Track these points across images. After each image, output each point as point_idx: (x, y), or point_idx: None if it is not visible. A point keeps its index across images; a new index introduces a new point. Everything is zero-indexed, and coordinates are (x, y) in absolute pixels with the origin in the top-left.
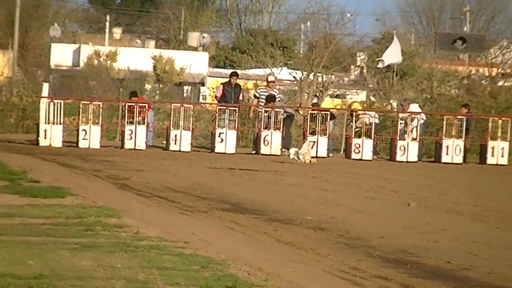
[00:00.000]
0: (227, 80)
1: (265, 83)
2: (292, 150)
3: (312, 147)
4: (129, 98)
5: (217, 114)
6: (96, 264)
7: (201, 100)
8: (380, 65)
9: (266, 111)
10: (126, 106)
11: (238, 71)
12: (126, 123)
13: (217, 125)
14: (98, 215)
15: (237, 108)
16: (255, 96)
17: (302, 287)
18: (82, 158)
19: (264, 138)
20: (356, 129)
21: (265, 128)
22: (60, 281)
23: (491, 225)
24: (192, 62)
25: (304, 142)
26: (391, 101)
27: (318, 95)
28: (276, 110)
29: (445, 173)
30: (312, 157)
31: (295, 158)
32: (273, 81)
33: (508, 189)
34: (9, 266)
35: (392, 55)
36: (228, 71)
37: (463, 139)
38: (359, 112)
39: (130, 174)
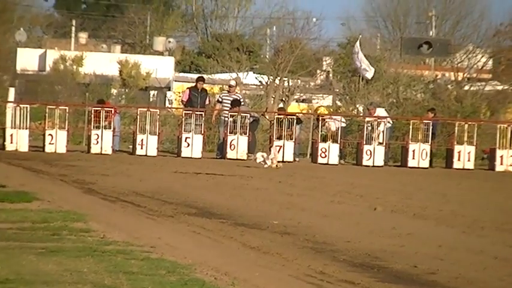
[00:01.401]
0: (193, 84)
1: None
2: (259, 155)
3: (278, 152)
4: None
5: (183, 119)
6: (63, 268)
7: (167, 105)
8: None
9: (232, 116)
10: (92, 111)
11: (204, 76)
12: (92, 128)
13: (183, 129)
14: (64, 220)
15: (203, 113)
16: (218, 101)
17: None
18: (48, 163)
19: (230, 143)
20: (322, 134)
21: (231, 133)
22: (26, 286)
23: (457, 230)
24: (158, 66)
25: (271, 147)
26: (357, 105)
27: (284, 99)
28: (242, 114)
29: (412, 178)
30: (278, 161)
31: (262, 163)
32: (234, 86)
33: (474, 194)
34: None
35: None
36: (194, 76)
37: (429, 143)
38: (325, 117)
39: (96, 178)
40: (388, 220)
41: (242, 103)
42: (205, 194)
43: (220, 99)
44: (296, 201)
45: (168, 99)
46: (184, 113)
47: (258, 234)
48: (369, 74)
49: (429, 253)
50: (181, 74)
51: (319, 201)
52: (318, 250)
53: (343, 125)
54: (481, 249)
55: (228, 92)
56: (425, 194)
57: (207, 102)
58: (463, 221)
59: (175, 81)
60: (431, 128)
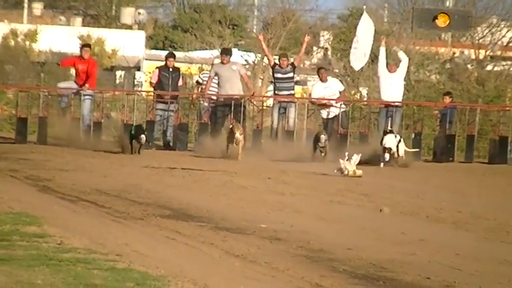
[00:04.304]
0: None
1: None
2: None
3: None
4: None
5: (154, 104)
6: (13, 280)
7: (136, 87)
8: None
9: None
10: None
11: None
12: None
13: (155, 116)
14: (15, 223)
15: (177, 97)
16: (197, 82)
17: None
18: None
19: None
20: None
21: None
22: None
23: (478, 235)
24: (126, 43)
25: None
26: (361, 89)
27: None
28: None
29: (424, 174)
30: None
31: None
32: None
33: (499, 193)
34: None
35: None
36: None
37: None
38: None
39: (53, 174)
40: (396, 224)
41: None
42: (181, 193)
43: (200, 81)
44: (289, 201)
45: (138, 81)
46: (155, 97)
47: (243, 240)
48: (358, 65)
49: (445, 263)
50: (153, 52)
51: (315, 201)
52: (314, 259)
53: (336, 112)
54: (506, 258)
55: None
56: (440, 192)
57: (180, 83)
58: (486, 225)
59: (146, 59)
60: (448, 115)
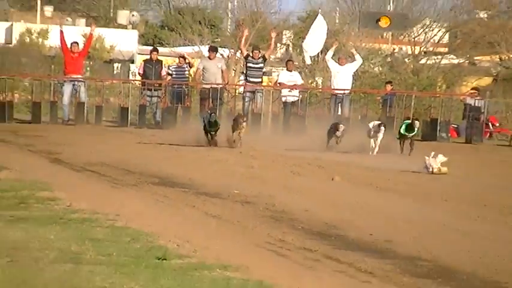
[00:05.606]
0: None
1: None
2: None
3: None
4: None
5: (141, 91)
6: (30, 236)
7: (130, 77)
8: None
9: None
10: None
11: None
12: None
13: (145, 102)
14: (32, 189)
15: (161, 85)
16: (168, 73)
17: (229, 258)
18: (15, 133)
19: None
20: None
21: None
22: None
23: (415, 199)
24: (122, 39)
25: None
26: (316, 78)
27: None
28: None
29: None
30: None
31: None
32: (182, 57)
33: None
34: None
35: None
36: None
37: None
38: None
39: (62, 149)
40: (348, 192)
41: (186, 73)
42: (167, 165)
43: (170, 72)
44: (257, 172)
45: (132, 72)
46: (142, 85)
47: (219, 203)
48: (308, 59)
49: (388, 223)
50: (145, 47)
51: (279, 173)
52: (278, 219)
53: (296, 98)
54: (441, 221)
55: (178, 64)
56: (387, 166)
57: (163, 73)
58: (423, 191)
59: (139, 54)
60: (388, 100)
